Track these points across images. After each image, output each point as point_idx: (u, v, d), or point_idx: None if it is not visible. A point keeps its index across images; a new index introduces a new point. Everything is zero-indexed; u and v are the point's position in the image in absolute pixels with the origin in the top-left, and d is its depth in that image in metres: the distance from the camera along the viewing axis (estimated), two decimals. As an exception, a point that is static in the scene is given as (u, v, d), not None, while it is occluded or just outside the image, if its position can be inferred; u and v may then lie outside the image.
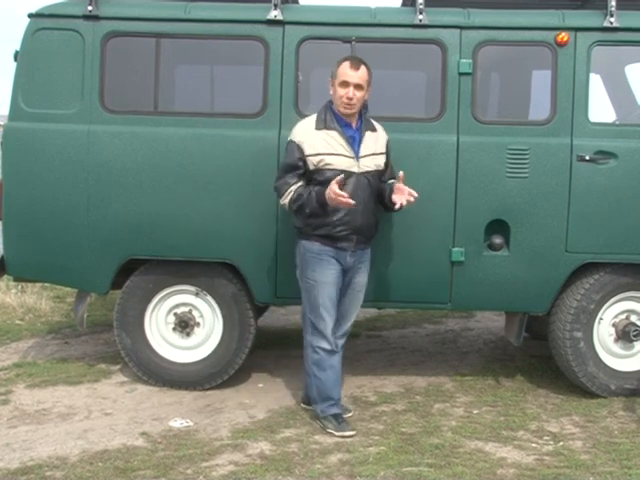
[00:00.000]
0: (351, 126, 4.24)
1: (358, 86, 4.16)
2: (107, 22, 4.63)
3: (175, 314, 4.88)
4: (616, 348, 4.80)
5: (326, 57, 4.83)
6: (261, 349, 5.70)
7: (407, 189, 4.14)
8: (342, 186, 4.05)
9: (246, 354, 4.86)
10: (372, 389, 4.97)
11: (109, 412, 4.54)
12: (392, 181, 4.31)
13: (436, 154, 4.55)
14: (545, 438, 4.21)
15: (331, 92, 4.26)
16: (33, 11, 4.68)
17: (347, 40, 4.59)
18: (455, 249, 4.61)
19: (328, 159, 4.15)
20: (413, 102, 5.13)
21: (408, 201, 4.12)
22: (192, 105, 4.99)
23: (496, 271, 4.62)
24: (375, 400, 4.77)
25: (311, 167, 4.18)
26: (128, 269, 4.79)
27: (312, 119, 4.25)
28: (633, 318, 4.78)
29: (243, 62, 5.00)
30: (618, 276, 4.67)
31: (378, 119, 4.47)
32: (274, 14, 4.57)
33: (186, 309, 4.88)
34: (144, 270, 4.82)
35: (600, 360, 4.76)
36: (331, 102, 4.27)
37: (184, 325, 4.86)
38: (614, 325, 4.78)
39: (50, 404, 4.64)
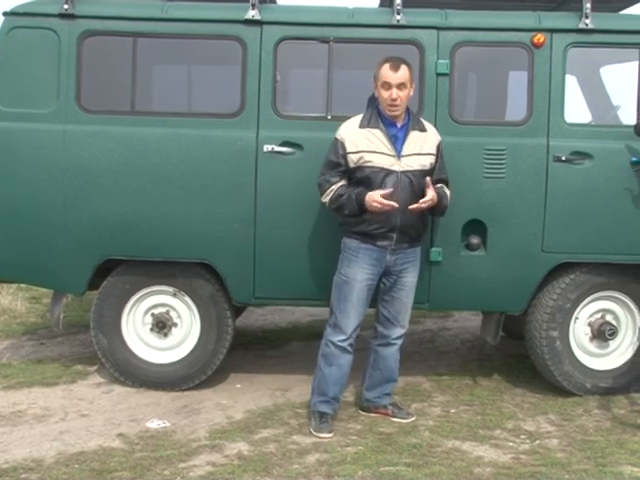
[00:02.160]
0: (396, 125, 4.23)
1: (400, 85, 4.16)
2: (83, 21, 4.60)
3: (152, 315, 4.86)
4: (592, 347, 4.84)
5: (304, 57, 4.85)
6: (239, 349, 5.69)
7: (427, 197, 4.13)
8: (387, 194, 4.07)
9: (224, 354, 4.85)
10: (350, 389, 4.97)
11: (85, 413, 4.51)
12: (440, 185, 4.32)
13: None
14: (522, 437, 4.24)
15: (376, 94, 4.26)
16: (8, 9, 4.64)
17: (325, 40, 4.58)
18: (433, 249, 4.62)
19: (368, 156, 4.15)
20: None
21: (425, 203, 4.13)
22: (169, 105, 4.97)
23: (473, 271, 4.64)
24: (353, 400, 4.78)
25: (351, 164, 4.19)
26: (105, 269, 4.76)
27: (358, 118, 4.27)
28: (608, 317, 4.82)
29: (221, 62, 5.00)
30: (593, 276, 4.71)
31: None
32: (252, 14, 4.56)
33: (163, 310, 4.86)
34: (121, 270, 4.79)
35: (576, 359, 4.80)
36: (378, 101, 4.27)
37: (161, 326, 4.84)
38: (590, 324, 4.83)
39: (25, 406, 4.60)
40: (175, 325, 4.87)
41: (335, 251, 4.51)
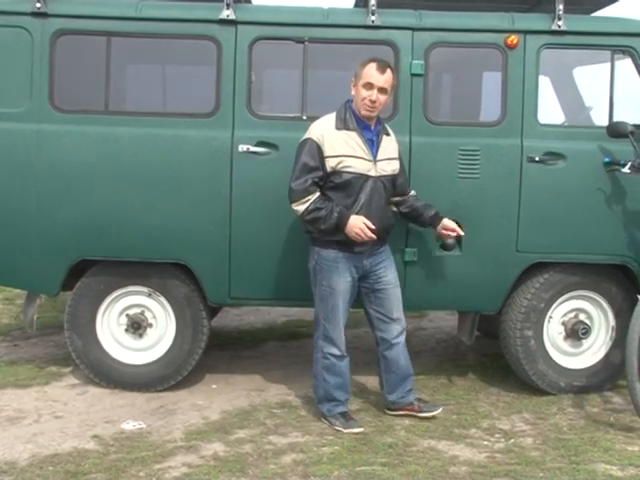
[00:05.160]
0: (370, 128, 4.20)
1: (382, 89, 4.12)
2: (56, 19, 4.56)
3: (127, 315, 4.83)
4: (565, 346, 4.89)
5: (279, 57, 4.84)
6: (215, 350, 5.68)
7: (453, 227, 4.37)
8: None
9: (199, 355, 4.84)
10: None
11: (60, 415, 4.47)
12: (413, 193, 4.42)
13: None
14: (496, 436, 4.27)
15: (353, 92, 4.21)
16: (-21, 8, 4.60)
17: (300, 40, 4.58)
18: (408, 249, 4.64)
19: (348, 161, 4.10)
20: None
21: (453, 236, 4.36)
22: (144, 105, 4.93)
23: (448, 271, 4.67)
24: (329, 400, 4.78)
25: (329, 169, 4.11)
26: (79, 270, 4.73)
27: (331, 118, 4.19)
28: (581, 316, 4.87)
29: (195, 62, 4.98)
30: (567, 275, 4.75)
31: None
32: (226, 13, 4.55)
33: (138, 310, 4.83)
34: (95, 271, 4.76)
35: (550, 358, 4.84)
36: (350, 101, 4.22)
37: (136, 326, 4.81)
38: (563, 323, 4.87)
39: (-2, 408, 4.56)
40: (150, 326, 4.84)
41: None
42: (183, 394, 4.84)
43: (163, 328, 4.83)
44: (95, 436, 4.14)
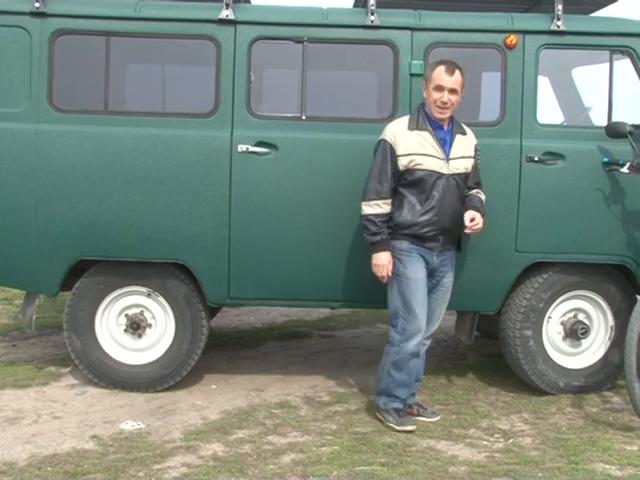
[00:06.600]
0: (443, 128, 4.28)
1: (453, 90, 4.21)
2: (55, 19, 4.56)
3: (126, 315, 4.83)
4: (564, 346, 4.89)
5: (278, 57, 4.84)
6: (214, 350, 5.68)
7: (473, 222, 4.23)
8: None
9: (199, 355, 4.83)
10: (325, 389, 4.98)
11: (59, 415, 4.47)
12: (471, 194, 4.37)
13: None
14: (496, 435, 4.27)
15: (425, 95, 4.29)
16: (-22, 8, 4.60)
17: (299, 40, 4.58)
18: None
19: (419, 159, 4.19)
20: (365, 103, 5.15)
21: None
22: (143, 104, 4.93)
23: (447, 271, 4.66)
24: (329, 400, 4.79)
25: (401, 168, 4.21)
26: (78, 270, 4.72)
27: (405, 119, 4.30)
28: (580, 316, 4.87)
29: (195, 62, 4.97)
30: (566, 275, 4.76)
31: (329, 120, 4.51)
32: (226, 13, 4.55)
33: (138, 310, 4.83)
34: (94, 271, 4.75)
35: (549, 358, 4.84)
36: (424, 104, 4.31)
37: (136, 327, 4.81)
38: (562, 323, 4.87)
39: (-3, 408, 4.56)
40: (149, 326, 4.84)
41: (309, 250, 4.54)
42: (182, 394, 4.84)
43: (162, 328, 4.83)
44: (94, 436, 4.14)
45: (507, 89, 4.62)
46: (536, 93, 4.64)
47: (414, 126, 4.24)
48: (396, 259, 4.27)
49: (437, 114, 4.23)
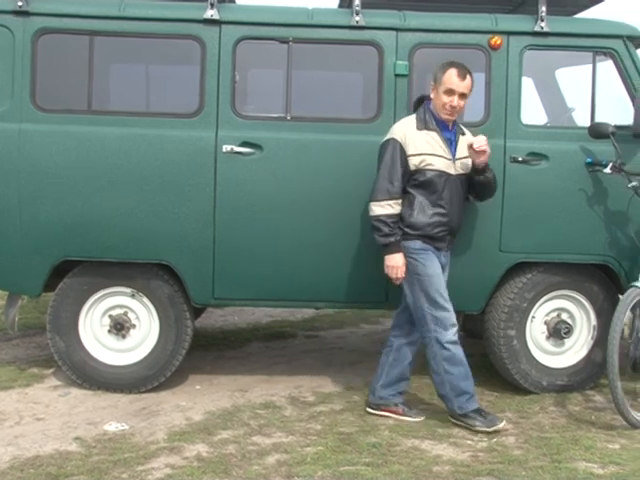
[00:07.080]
0: (448, 128, 4.31)
1: (463, 95, 4.24)
2: (38, 18, 4.54)
3: (110, 316, 4.80)
4: (548, 345, 4.91)
5: (263, 57, 4.83)
6: (199, 351, 5.66)
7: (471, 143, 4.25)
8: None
9: (183, 356, 4.82)
10: (310, 389, 4.98)
11: (41, 417, 4.44)
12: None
13: (373, 154, 4.53)
14: (479, 435, 4.27)
15: (432, 95, 4.30)
16: (-40, 6, 4.56)
17: (284, 40, 4.58)
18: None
19: (430, 159, 4.21)
20: (350, 103, 5.15)
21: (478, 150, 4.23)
22: (127, 104, 4.91)
23: (432, 271, 4.67)
24: (313, 400, 4.79)
25: (412, 167, 4.22)
26: (62, 270, 4.70)
27: (411, 119, 4.31)
28: (564, 316, 4.89)
29: (179, 61, 4.96)
30: (549, 275, 4.78)
31: (314, 120, 4.51)
32: (210, 13, 4.54)
33: (121, 311, 4.81)
34: (78, 272, 4.73)
35: (532, 357, 4.86)
36: (428, 103, 4.32)
37: (119, 327, 4.78)
38: (546, 323, 4.89)
39: (-21, 410, 4.52)
40: (133, 326, 4.82)
41: (294, 251, 4.53)
42: (166, 395, 4.82)
43: (146, 329, 4.81)
44: (77, 438, 4.12)
45: (491, 90, 4.64)
46: (520, 94, 4.66)
47: (422, 126, 4.26)
48: (412, 259, 4.29)
49: (445, 116, 4.27)
